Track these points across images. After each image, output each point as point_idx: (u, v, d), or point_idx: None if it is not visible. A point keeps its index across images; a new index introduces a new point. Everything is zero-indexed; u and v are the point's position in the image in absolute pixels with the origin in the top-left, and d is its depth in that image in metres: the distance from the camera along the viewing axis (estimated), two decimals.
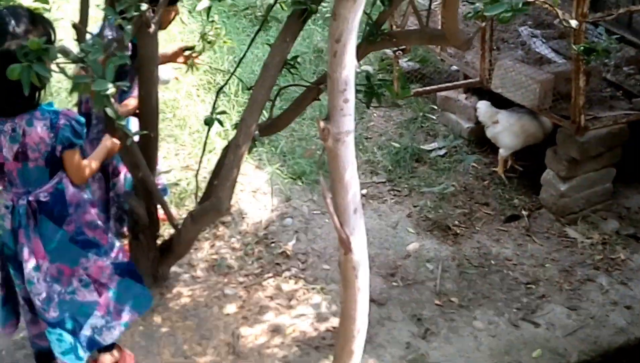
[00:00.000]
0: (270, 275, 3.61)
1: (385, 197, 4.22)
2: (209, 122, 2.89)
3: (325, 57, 4.68)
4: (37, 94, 2.46)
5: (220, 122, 3.05)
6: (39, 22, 2.42)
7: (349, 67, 1.41)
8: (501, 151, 4.31)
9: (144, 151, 2.98)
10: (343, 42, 1.31)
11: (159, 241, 3.37)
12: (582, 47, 2.77)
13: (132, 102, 3.13)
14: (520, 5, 2.04)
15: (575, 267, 3.76)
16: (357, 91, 2.81)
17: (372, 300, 2.77)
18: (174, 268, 3.54)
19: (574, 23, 2.63)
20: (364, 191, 4.23)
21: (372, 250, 3.71)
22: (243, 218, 4.02)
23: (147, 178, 3.00)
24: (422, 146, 4.66)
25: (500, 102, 4.29)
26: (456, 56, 4.75)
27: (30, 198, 2.55)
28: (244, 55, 3.15)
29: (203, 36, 3.17)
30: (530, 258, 3.82)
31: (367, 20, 2.73)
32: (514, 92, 4.05)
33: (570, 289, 3.62)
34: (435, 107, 5.03)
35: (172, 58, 3.41)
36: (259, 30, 2.93)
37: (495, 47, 4.66)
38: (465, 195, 4.26)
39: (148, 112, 3.02)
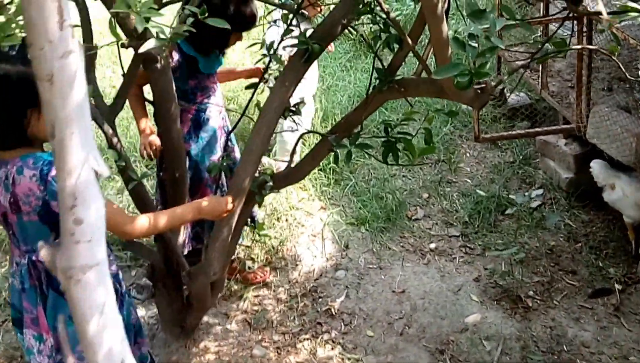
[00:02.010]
0: (308, 336, 3.33)
1: (455, 254, 3.78)
2: (210, 169, 2.67)
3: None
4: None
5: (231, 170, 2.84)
6: None
7: (76, 173, 0.91)
8: (625, 217, 3.69)
9: (172, 192, 2.82)
10: (59, 138, 0.90)
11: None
12: None
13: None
14: (483, 70, 1.62)
15: None
16: (368, 146, 2.50)
17: None
18: (208, 318, 3.37)
19: None
20: (433, 245, 3.82)
21: (424, 318, 3.33)
22: (297, 264, 3.76)
23: None
24: (511, 196, 4.15)
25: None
26: (559, 94, 4.19)
27: (34, 257, 2.28)
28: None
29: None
30: (613, 347, 3.23)
31: (378, 66, 2.40)
32: (609, 145, 3.46)
33: None
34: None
35: (251, 74, 3.40)
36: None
37: (606, 88, 4.05)
38: (549, 259, 3.72)
39: (170, 150, 2.85)
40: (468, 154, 4.56)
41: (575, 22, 3.63)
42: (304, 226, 4.03)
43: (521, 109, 4.79)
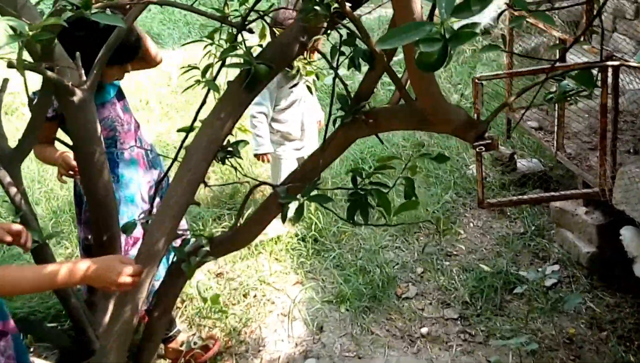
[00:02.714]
0: None
1: (452, 341, 3.11)
2: (126, 228, 2.06)
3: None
4: None
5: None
6: None
7: None
8: None
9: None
10: None
11: None
12: None
13: None
14: (469, 31, 1.00)
15: None
16: (327, 200, 1.90)
17: None
18: None
19: None
20: (425, 330, 3.16)
21: None
22: (259, 350, 3.12)
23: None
24: (521, 272, 3.49)
25: None
26: (577, 157, 3.59)
27: None
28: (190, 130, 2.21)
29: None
30: None
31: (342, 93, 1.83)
32: None
33: None
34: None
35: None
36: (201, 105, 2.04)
37: (631, 150, 3.46)
38: (567, 350, 3.03)
39: (96, 207, 2.25)
40: (472, 224, 3.94)
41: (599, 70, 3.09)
42: (273, 303, 3.41)
43: (533, 177, 4.19)
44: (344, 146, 1.94)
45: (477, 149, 3.15)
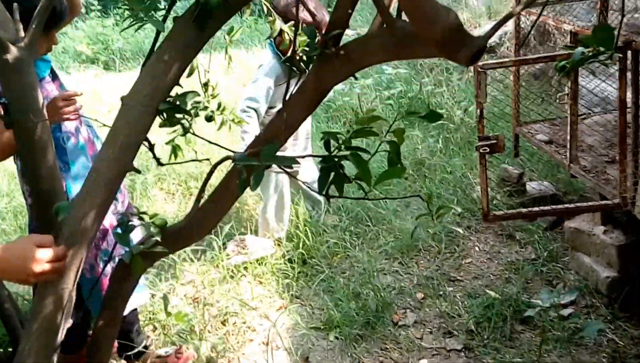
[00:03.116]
0: None
1: None
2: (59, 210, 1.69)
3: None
4: None
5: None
6: None
7: None
8: None
9: None
10: None
11: None
12: None
13: None
14: None
15: None
16: (290, 161, 1.53)
17: None
18: None
19: None
20: (424, 362, 2.77)
21: None
22: None
23: None
24: (534, 300, 3.11)
25: None
26: (592, 170, 3.25)
27: None
28: None
29: None
30: None
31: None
32: None
33: None
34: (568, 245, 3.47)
35: None
36: None
37: None
38: None
39: (45, 205, 1.88)
40: (477, 249, 3.57)
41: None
42: (254, 330, 3.03)
43: (544, 200, 3.83)
44: (318, 96, 1.54)
45: (481, 150, 2.83)
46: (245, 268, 3.33)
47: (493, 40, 4.98)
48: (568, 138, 3.27)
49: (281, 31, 1.92)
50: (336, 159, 1.50)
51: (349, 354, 2.82)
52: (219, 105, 1.93)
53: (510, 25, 4.65)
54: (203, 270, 3.32)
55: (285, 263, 3.35)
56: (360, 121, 1.57)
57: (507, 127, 4.15)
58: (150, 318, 3.07)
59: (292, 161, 1.51)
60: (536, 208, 3.04)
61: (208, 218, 1.73)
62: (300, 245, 3.40)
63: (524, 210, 3.07)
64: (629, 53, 2.76)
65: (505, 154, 4.25)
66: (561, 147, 3.56)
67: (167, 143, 1.77)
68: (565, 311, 3.05)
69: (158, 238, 1.60)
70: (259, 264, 3.35)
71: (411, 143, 4.35)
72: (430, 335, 2.93)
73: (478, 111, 2.90)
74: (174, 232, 1.71)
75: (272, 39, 3.31)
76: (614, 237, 3.11)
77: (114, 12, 8.92)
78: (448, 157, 4.26)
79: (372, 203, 3.85)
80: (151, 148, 1.52)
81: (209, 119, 1.94)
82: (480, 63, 2.87)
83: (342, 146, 1.51)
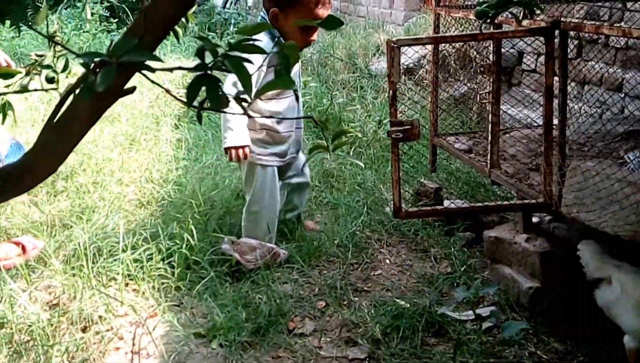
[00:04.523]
0: None
1: None
2: None
3: None
4: None
5: None
6: None
7: None
8: (626, 338, 2.31)
9: None
10: None
11: None
12: None
13: None
14: None
15: None
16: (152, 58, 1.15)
17: None
18: None
19: None
20: None
21: None
22: None
23: None
24: (450, 313, 2.75)
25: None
26: (515, 176, 2.98)
27: None
28: None
29: None
30: None
31: None
32: (599, 213, 2.20)
33: None
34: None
35: None
36: None
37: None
38: None
39: None
40: (388, 261, 3.21)
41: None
42: (122, 339, 2.53)
43: (461, 217, 3.53)
44: None
45: (393, 136, 2.50)
46: (115, 270, 2.85)
47: (411, 62, 4.78)
48: (489, 140, 3.01)
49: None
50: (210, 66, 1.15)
51: (234, 362, 2.36)
52: (66, 65, 1.63)
53: (430, 48, 4.46)
54: (62, 270, 2.82)
55: (161, 260, 2.88)
56: (243, 31, 1.26)
57: (426, 145, 3.89)
58: None
59: (154, 57, 1.18)
60: (453, 205, 2.72)
61: (49, 152, 1.31)
62: (183, 245, 2.95)
63: (439, 207, 2.76)
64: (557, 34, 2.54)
65: (422, 173, 3.99)
66: (481, 156, 3.31)
67: None
68: (484, 326, 2.71)
69: None
70: (135, 268, 2.87)
71: (319, 154, 4.01)
72: (330, 344, 2.51)
73: (391, 92, 2.58)
74: (7, 173, 1.29)
75: (263, 15, 2.96)
76: (537, 245, 2.82)
77: None
78: (359, 168, 3.94)
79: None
80: None
81: (51, 80, 1.64)
82: (394, 39, 2.59)
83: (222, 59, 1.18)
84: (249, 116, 1.89)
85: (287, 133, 3.06)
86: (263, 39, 2.88)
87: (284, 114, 2.99)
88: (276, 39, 2.88)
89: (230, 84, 2.73)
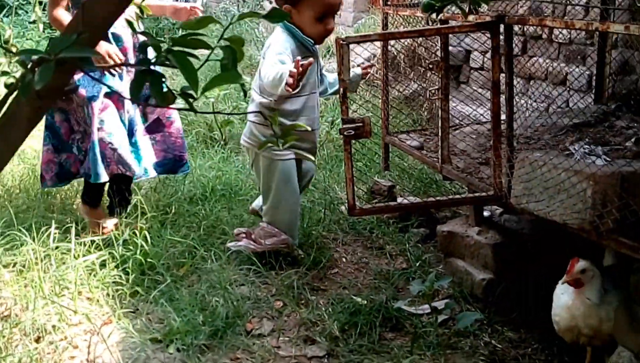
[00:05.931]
0: None
1: None
2: None
3: None
4: None
5: None
6: None
7: None
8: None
9: None
10: None
11: None
12: None
13: None
14: None
15: None
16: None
17: None
18: None
19: None
20: None
21: None
22: None
23: None
24: (405, 307, 2.78)
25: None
26: (465, 170, 3.03)
27: None
28: None
29: None
30: None
31: None
32: (547, 202, 2.25)
33: None
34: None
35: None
36: None
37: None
38: None
39: None
40: (345, 260, 3.23)
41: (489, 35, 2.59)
42: (77, 347, 2.49)
43: (415, 213, 3.57)
44: None
45: (345, 133, 2.52)
46: (69, 281, 2.80)
47: (362, 61, 4.82)
48: (439, 135, 3.06)
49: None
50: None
51: None
52: None
53: (379, 46, 4.50)
54: (14, 281, 2.76)
55: (116, 267, 2.84)
56: (187, 26, 1.25)
57: (378, 143, 3.93)
58: None
59: (93, 53, 1.15)
60: (406, 201, 2.75)
61: None
62: (137, 251, 2.92)
63: (393, 204, 2.78)
64: (502, 28, 2.60)
65: (375, 171, 4.02)
66: (432, 152, 3.35)
67: None
68: (440, 318, 2.75)
69: None
70: (87, 275, 2.83)
71: None
72: (289, 343, 2.51)
73: (341, 90, 2.60)
74: None
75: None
76: (489, 237, 2.88)
77: None
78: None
79: (226, 211, 3.47)
80: None
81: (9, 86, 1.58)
82: (343, 36, 2.61)
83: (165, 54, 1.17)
84: (196, 112, 1.88)
85: (309, 134, 2.99)
86: (281, 36, 2.89)
87: (301, 112, 2.96)
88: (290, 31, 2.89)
89: (273, 61, 2.78)
